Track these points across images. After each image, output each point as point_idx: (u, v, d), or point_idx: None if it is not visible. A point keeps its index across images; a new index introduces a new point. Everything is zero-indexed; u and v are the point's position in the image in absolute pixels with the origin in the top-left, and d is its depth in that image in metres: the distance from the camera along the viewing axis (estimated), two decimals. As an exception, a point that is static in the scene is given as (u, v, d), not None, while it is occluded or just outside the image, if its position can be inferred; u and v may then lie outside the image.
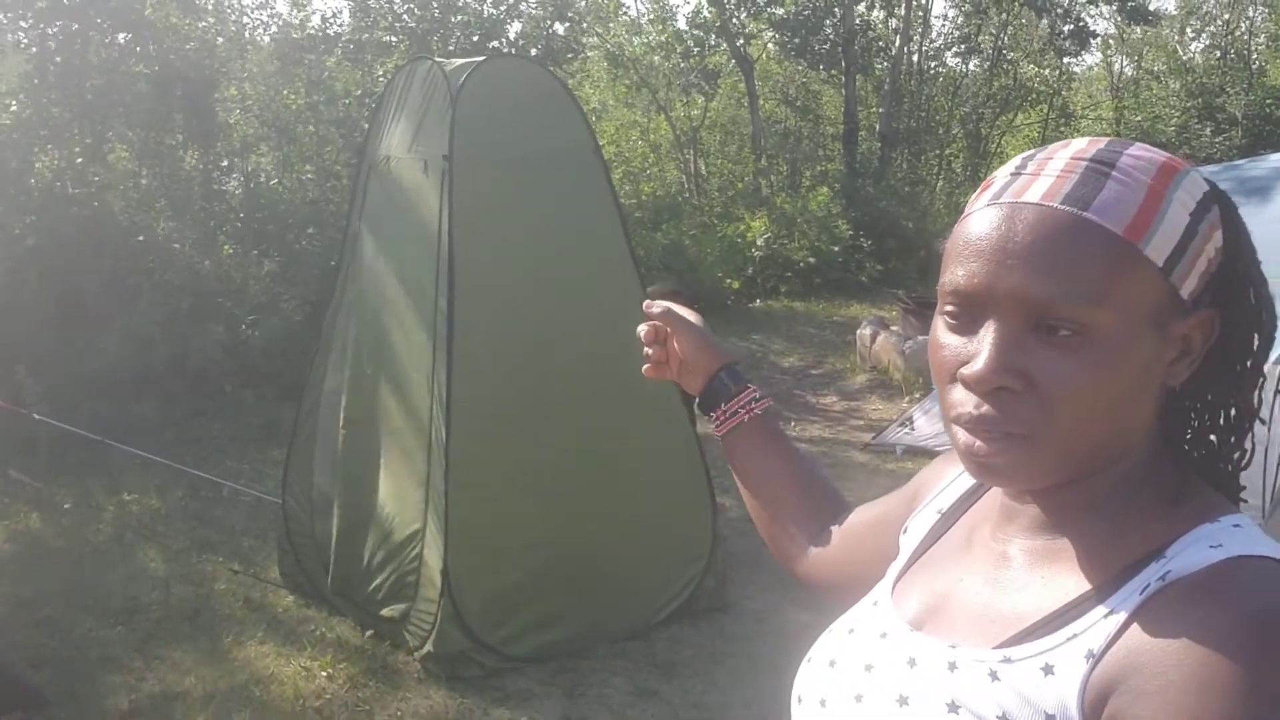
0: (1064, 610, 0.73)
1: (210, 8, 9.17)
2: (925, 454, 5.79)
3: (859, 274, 10.85)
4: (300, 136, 9.01)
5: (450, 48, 10.02)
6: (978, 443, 0.73)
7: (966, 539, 0.88)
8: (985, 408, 0.72)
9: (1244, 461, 0.79)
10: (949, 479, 0.97)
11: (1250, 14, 16.50)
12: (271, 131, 8.94)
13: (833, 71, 13.60)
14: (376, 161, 3.97)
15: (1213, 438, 0.78)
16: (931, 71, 15.10)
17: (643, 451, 3.84)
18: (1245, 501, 0.81)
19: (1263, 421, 0.79)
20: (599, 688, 3.54)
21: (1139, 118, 15.00)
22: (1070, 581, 0.75)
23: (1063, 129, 15.10)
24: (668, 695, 3.53)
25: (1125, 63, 17.25)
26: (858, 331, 8.32)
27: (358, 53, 9.98)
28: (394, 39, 10.24)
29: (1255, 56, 15.60)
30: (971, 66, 15.20)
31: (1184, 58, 16.13)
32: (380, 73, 9.53)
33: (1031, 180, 0.73)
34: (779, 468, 1.16)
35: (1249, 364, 0.77)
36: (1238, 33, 16.24)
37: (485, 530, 3.53)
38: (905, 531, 0.97)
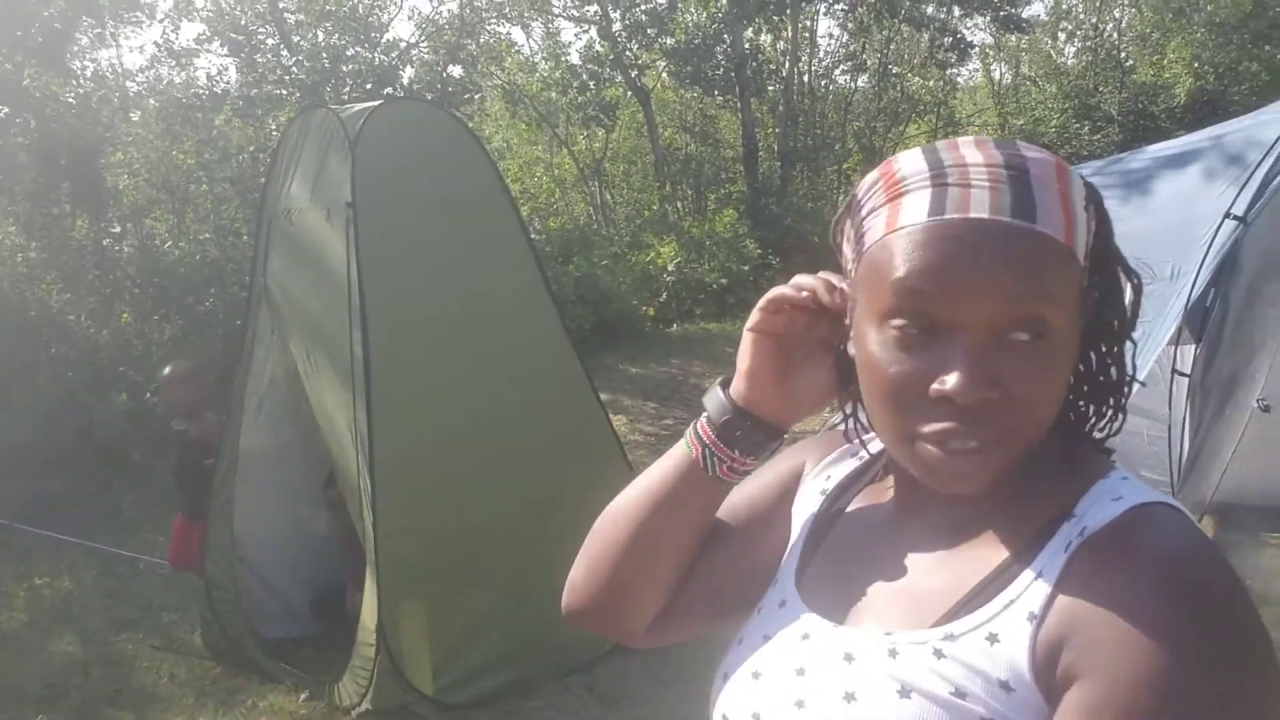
0: (993, 578, 0.75)
1: (90, 75, 8.94)
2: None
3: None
4: (194, 197, 8.81)
5: (343, 98, 9.92)
6: (955, 458, 0.73)
7: (871, 523, 0.88)
8: (965, 421, 0.72)
9: (1119, 425, 0.83)
10: (822, 460, 0.98)
11: (1117, 15, 17.32)
12: (163, 194, 8.73)
13: (727, 96, 13.84)
14: (277, 216, 3.90)
15: (1091, 406, 0.82)
16: (822, 90, 15.47)
17: (572, 484, 3.79)
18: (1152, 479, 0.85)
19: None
20: (546, 726, 3.49)
21: (1021, 121, 15.55)
22: (991, 550, 0.77)
23: (952, 136, 15.57)
24: (616, 726, 3.49)
25: (1004, 70, 17.96)
26: (774, 347, 8.41)
27: (248, 108, 9.82)
28: (284, 92, 10.11)
29: (1125, 56, 16.34)
30: (860, 83, 15.64)
31: (1058, 61, 16.82)
32: (273, 126, 9.39)
33: (964, 192, 0.74)
34: (700, 539, 0.98)
35: (1120, 337, 0.81)
36: (1106, 34, 17.00)
37: (418, 579, 3.45)
38: (793, 517, 0.96)
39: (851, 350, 0.82)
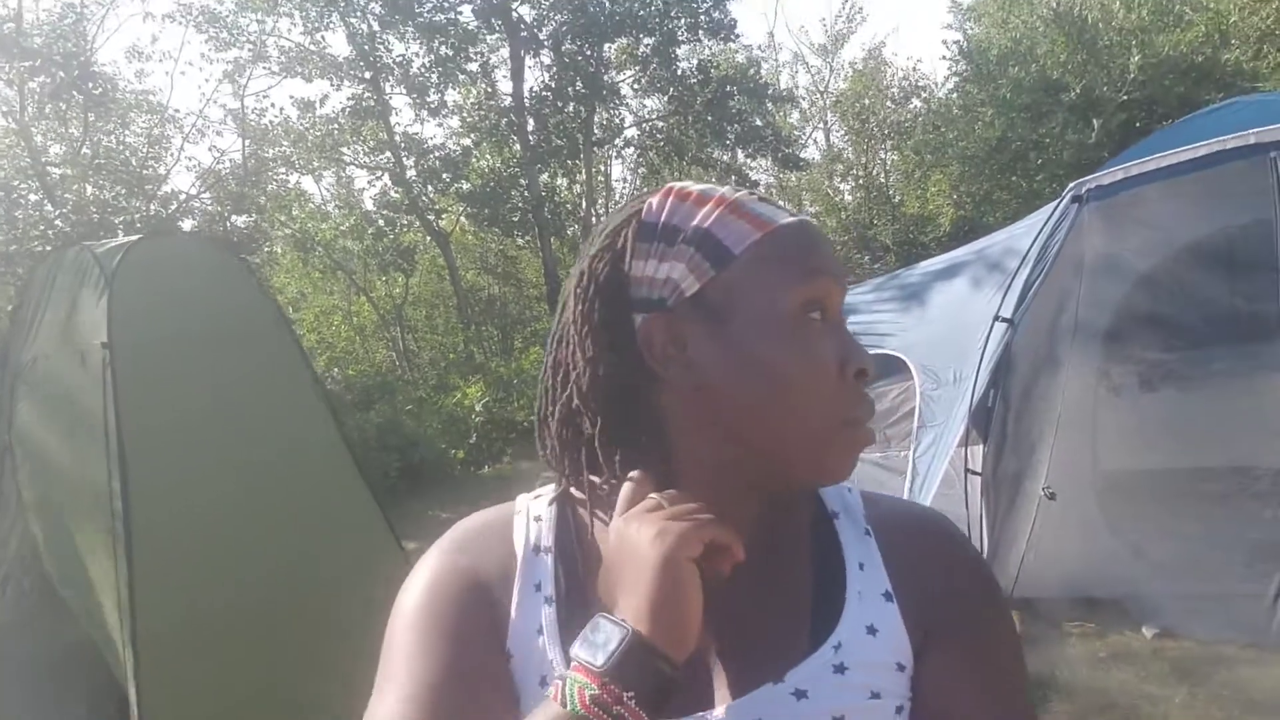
0: (827, 582, 0.79)
1: None
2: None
3: (581, 426, 10.93)
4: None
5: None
6: (867, 437, 0.77)
7: None
8: (869, 397, 0.77)
9: None
10: (514, 572, 0.80)
11: (882, 156, 18.86)
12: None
13: (527, 237, 14.03)
14: (21, 368, 3.52)
15: None
16: (619, 229, 15.96)
17: (341, 576, 3.46)
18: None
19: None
20: None
21: (808, 253, 16.52)
22: (795, 564, 0.80)
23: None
24: None
25: (788, 206, 19.12)
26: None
27: (7, 265, 9.12)
28: (49, 248, 9.48)
29: (893, 192, 17.73)
30: (655, 221, 16.23)
31: (835, 198, 18.05)
32: (37, 282, 8.78)
33: (770, 205, 0.82)
34: None
35: None
36: (875, 173, 18.45)
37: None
38: (512, 659, 0.77)
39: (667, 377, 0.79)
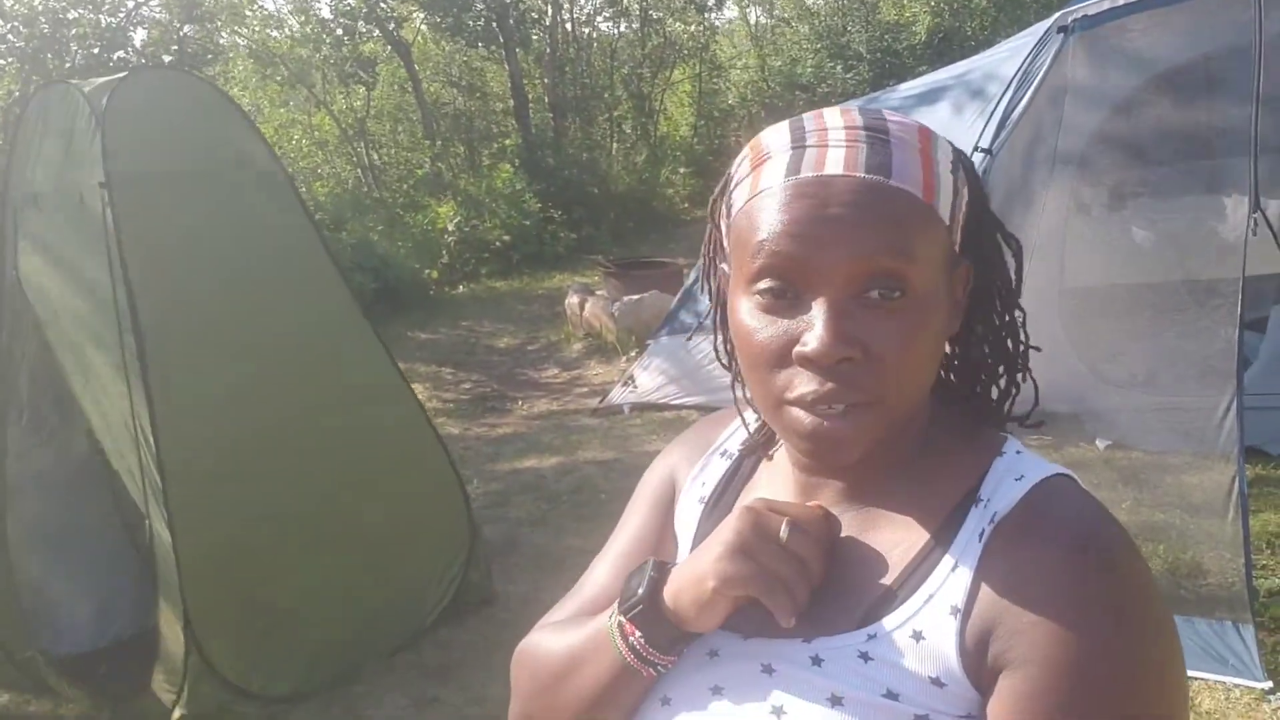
0: (909, 571, 0.74)
1: None
2: (652, 408, 5.99)
3: (555, 245, 10.98)
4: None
5: (68, 65, 9.03)
6: (825, 422, 0.72)
7: None
8: (830, 383, 0.71)
9: (1013, 397, 0.84)
10: (691, 470, 0.94)
11: (857, -43, 18.14)
12: None
13: (491, 48, 13.57)
14: (22, 203, 3.56)
15: (984, 378, 0.83)
16: (587, 38, 15.44)
17: (378, 456, 3.70)
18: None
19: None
20: (374, 708, 3.41)
21: (779, 63, 16.11)
22: (901, 542, 0.76)
23: (715, 80, 15.96)
24: (448, 698, 3.45)
25: (760, 13, 18.46)
26: (566, 301, 8.44)
27: (-42, 80, 8.78)
28: (1, 63, 9.10)
29: (867, -4, 17.18)
30: (623, 29, 15.71)
31: (809, 3, 17.48)
32: (-9, 100, 8.47)
33: (822, 152, 0.73)
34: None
35: (1008, 305, 0.82)
36: (849, -25, 17.80)
37: (222, 571, 3.27)
38: (678, 532, 0.92)
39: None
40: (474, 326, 9.07)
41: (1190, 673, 2.88)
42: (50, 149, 3.45)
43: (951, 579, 0.72)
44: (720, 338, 0.88)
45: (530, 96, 13.93)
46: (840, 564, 0.77)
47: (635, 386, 6.17)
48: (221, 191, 3.52)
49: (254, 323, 3.46)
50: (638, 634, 0.79)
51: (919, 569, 0.74)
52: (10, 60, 8.89)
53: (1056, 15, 4.15)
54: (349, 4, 12.68)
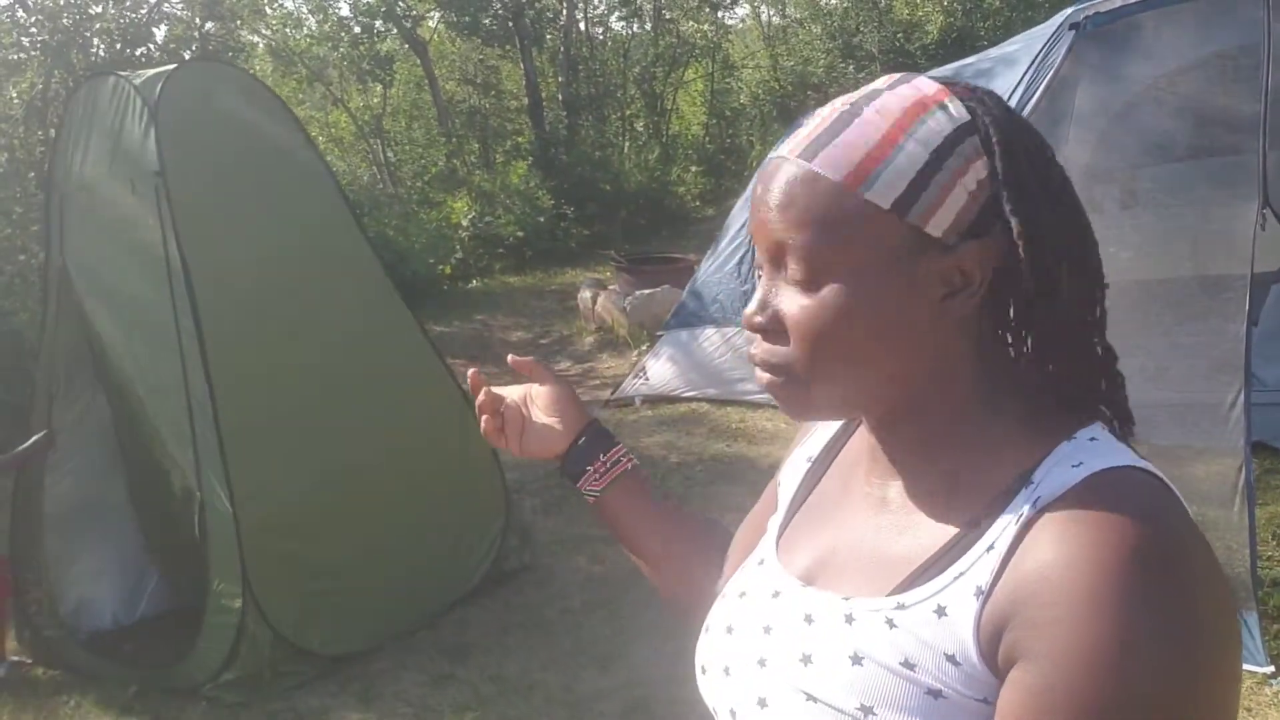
0: (947, 548, 0.74)
1: None
2: (663, 400, 6.06)
3: (567, 241, 11.06)
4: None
5: (92, 59, 9.12)
6: (766, 377, 0.79)
7: (843, 485, 0.89)
8: (755, 347, 0.79)
9: (1102, 375, 0.79)
10: (815, 427, 1.00)
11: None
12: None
13: (507, 47, 13.66)
14: (69, 192, 3.68)
15: (1048, 363, 0.77)
16: (601, 37, 15.52)
17: (417, 426, 3.85)
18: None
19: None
20: (393, 685, 3.49)
21: (791, 62, 16.15)
22: (949, 518, 0.76)
23: (727, 79, 16.01)
24: (464, 675, 3.53)
25: (772, 13, 18.51)
26: (579, 295, 8.51)
27: (-20, 73, 8.88)
28: (24, 56, 9.19)
29: (880, -4, 17.20)
30: (636, 29, 15.78)
31: (822, 3, 17.53)
32: (14, 93, 8.56)
33: (796, 133, 0.78)
34: (669, 513, 1.12)
35: (1064, 280, 0.74)
36: (862, -24, 17.82)
37: (278, 535, 3.43)
38: (780, 484, 1.00)
39: None
40: (488, 320, 9.15)
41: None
42: (98, 140, 3.57)
43: (983, 560, 0.71)
44: None
45: (544, 95, 14.02)
46: (887, 532, 0.80)
47: (647, 378, 6.24)
48: (266, 179, 3.68)
49: (300, 304, 3.63)
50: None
51: (957, 545, 0.73)
52: (34, 53, 8.99)
53: (1068, 12, 4.19)
54: (367, 2, 12.79)
